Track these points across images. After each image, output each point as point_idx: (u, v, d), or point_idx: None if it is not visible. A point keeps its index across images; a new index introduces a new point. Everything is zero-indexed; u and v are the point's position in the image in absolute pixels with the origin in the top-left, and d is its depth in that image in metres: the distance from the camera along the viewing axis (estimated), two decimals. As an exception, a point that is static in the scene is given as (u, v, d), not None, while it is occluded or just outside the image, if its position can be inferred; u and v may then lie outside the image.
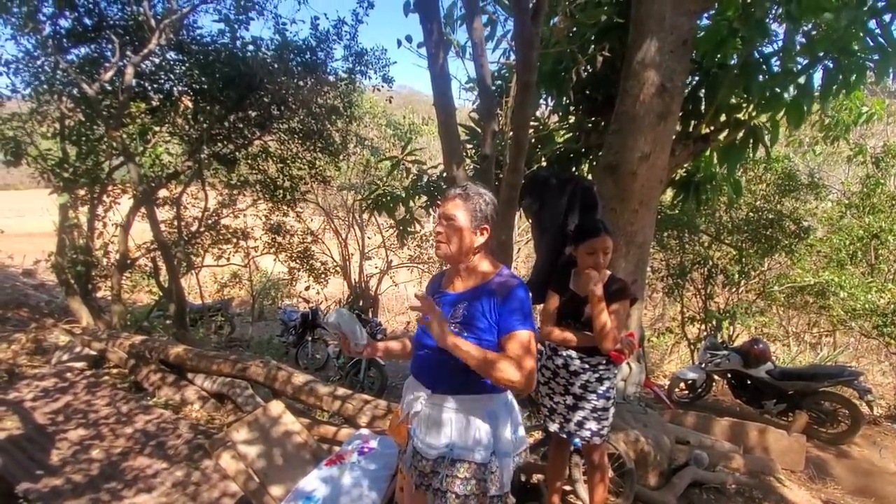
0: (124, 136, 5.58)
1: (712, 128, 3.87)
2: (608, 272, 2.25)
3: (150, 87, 6.28)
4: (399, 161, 4.56)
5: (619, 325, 2.11)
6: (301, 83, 6.42)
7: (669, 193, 5.14)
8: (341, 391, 3.50)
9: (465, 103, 5.24)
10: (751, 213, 7.44)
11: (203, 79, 6.00)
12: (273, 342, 8.58)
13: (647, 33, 3.04)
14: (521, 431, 1.63)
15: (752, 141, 3.82)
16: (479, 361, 1.41)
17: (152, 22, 5.49)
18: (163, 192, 7.09)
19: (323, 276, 9.95)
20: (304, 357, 7.57)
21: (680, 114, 3.40)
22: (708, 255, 7.68)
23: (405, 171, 4.59)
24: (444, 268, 1.84)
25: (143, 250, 7.11)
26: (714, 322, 7.59)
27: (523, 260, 13.48)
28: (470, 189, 1.54)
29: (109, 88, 5.67)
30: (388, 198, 4.65)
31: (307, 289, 10.48)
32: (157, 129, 6.48)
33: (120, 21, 5.82)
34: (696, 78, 3.87)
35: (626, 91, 3.10)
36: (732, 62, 3.64)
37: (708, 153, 4.24)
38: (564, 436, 2.28)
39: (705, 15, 3.70)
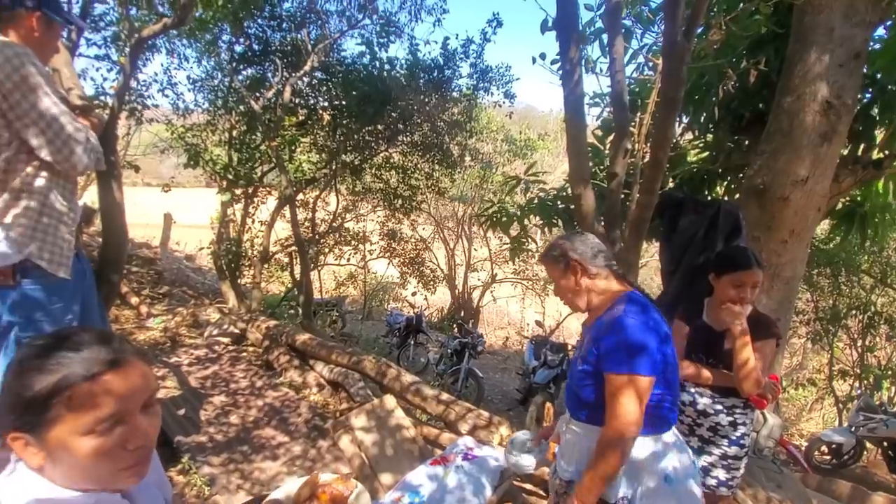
0: (277, 145, 6.39)
1: (886, 153, 3.34)
2: (750, 307, 2.04)
3: (299, 103, 7.08)
4: (521, 181, 4.58)
5: (763, 366, 1.90)
6: (427, 99, 6.81)
7: (825, 225, 4.49)
8: (445, 396, 3.58)
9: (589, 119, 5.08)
10: (932, 256, 6.22)
11: (343, 96, 6.63)
12: (378, 341, 9.07)
13: (812, 45, 2.72)
14: None
15: (941, 170, 3.22)
16: (599, 473, 1.41)
17: (308, 46, 6.25)
18: (299, 196, 7.95)
19: (431, 282, 10.35)
20: (406, 359, 7.88)
21: (847, 135, 2.99)
22: (870, 301, 6.55)
23: (524, 189, 4.59)
24: None
25: (281, 246, 8.01)
26: (871, 379, 6.43)
27: (641, 279, 12.67)
28: (546, 247, 1.67)
29: (269, 104, 6.54)
30: (504, 215, 4.68)
31: (413, 294, 10.95)
32: (302, 140, 7.30)
33: (281, 46, 6.68)
34: (869, 95, 3.37)
35: (783, 108, 2.80)
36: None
37: (881, 182, 3.65)
38: (686, 480, 2.10)
39: (882, 25, 3.21)
